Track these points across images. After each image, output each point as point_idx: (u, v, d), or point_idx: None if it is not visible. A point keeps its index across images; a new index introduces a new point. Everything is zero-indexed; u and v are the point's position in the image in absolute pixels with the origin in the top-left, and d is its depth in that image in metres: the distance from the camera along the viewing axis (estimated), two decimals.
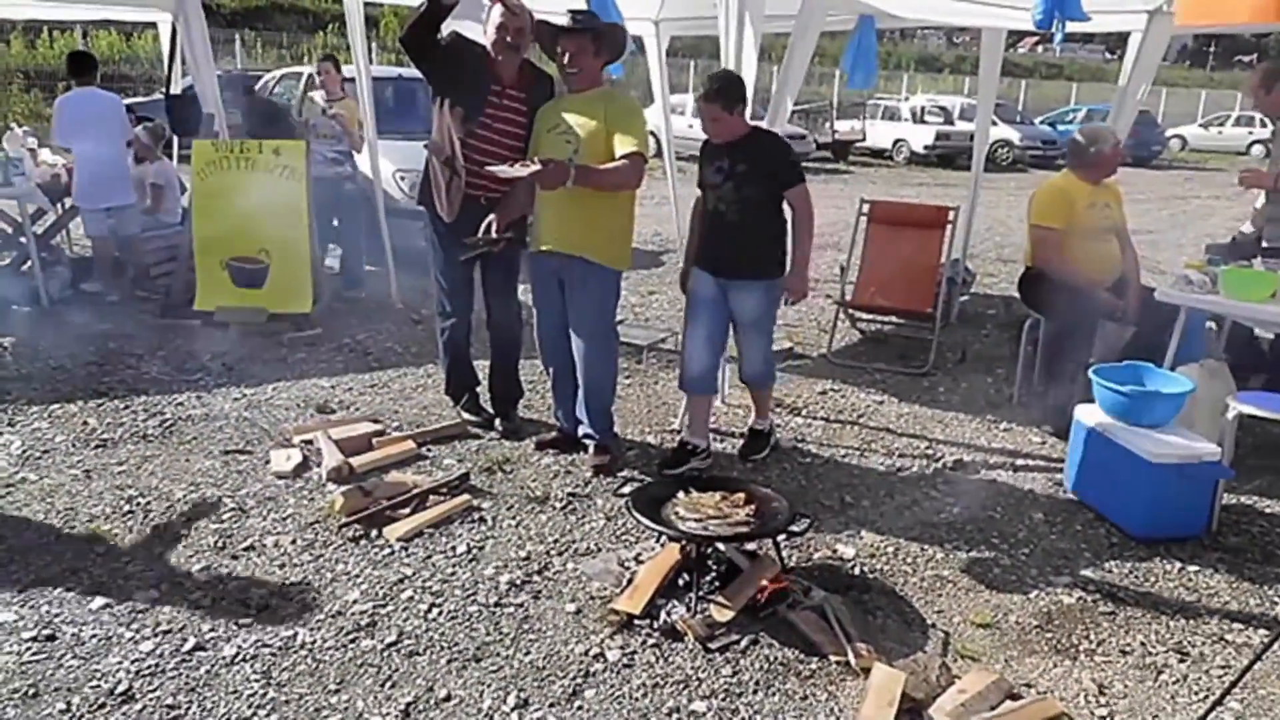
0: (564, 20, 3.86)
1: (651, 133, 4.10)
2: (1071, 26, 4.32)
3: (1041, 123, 25.50)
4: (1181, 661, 2.88)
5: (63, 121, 6.35)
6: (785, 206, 3.98)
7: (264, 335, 5.88)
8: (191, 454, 4.15)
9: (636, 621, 2.94)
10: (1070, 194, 4.70)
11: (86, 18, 11.30)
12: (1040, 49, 43.50)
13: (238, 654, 2.78)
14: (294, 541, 3.43)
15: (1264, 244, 4.90)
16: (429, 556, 3.35)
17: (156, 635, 2.86)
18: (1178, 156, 26.72)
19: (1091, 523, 3.75)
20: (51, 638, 2.84)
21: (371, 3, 6.28)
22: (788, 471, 4.17)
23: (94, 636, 2.85)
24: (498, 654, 2.82)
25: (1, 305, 6.14)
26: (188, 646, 2.81)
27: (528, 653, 2.83)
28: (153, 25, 8.02)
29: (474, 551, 3.39)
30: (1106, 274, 4.72)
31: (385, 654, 2.81)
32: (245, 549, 3.37)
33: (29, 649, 2.78)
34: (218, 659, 2.76)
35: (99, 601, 3.02)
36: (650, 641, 2.87)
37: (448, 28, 4.01)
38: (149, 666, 2.71)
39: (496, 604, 3.07)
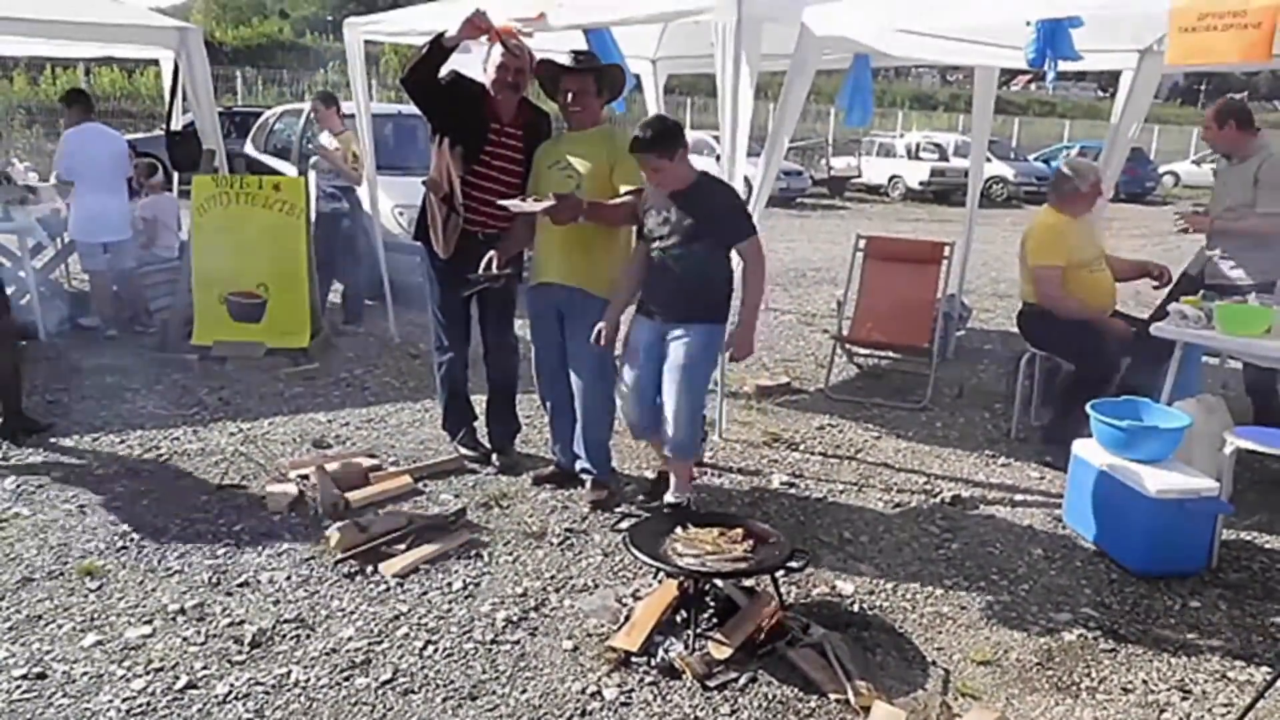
0: (566, 60, 3.90)
1: None
2: (1064, 65, 4.38)
3: (1035, 159, 25.75)
4: (1184, 699, 2.85)
5: (69, 156, 6.39)
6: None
7: (261, 370, 5.88)
8: (187, 489, 4.13)
9: (634, 659, 2.91)
10: (1062, 229, 4.74)
11: (89, 55, 11.43)
12: (1033, 87, 44.02)
13: (230, 692, 2.75)
14: (289, 577, 3.40)
15: (1206, 281, 4.95)
16: (425, 593, 3.32)
17: (148, 673, 2.83)
18: (1171, 193, 26.92)
19: (1091, 558, 3.74)
20: (42, 675, 2.81)
21: (371, 40, 6.35)
22: (785, 507, 4.15)
23: (85, 674, 2.81)
24: (494, 692, 2.79)
25: None
26: (180, 684, 2.77)
27: (524, 691, 2.80)
28: (154, 62, 8.10)
29: (470, 588, 3.36)
30: (1109, 301, 4.80)
31: (380, 692, 2.77)
32: (239, 585, 3.34)
33: (19, 687, 2.74)
34: (210, 697, 2.72)
35: (91, 638, 2.99)
36: (648, 679, 2.84)
37: (447, 68, 4.06)
38: (140, 705, 2.67)
39: (493, 641, 3.04)
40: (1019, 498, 4.33)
